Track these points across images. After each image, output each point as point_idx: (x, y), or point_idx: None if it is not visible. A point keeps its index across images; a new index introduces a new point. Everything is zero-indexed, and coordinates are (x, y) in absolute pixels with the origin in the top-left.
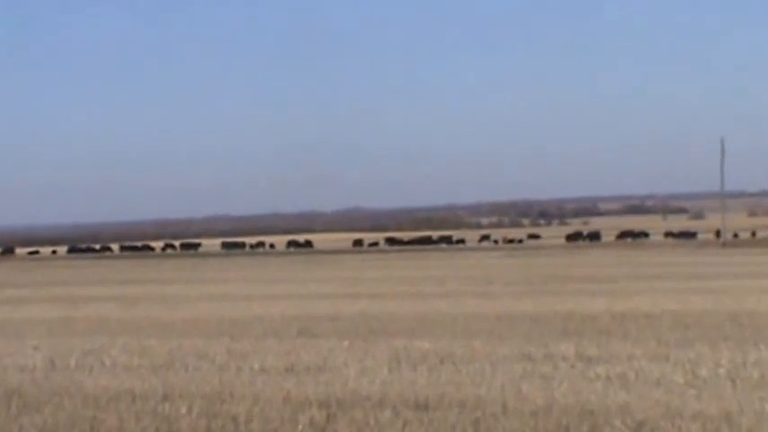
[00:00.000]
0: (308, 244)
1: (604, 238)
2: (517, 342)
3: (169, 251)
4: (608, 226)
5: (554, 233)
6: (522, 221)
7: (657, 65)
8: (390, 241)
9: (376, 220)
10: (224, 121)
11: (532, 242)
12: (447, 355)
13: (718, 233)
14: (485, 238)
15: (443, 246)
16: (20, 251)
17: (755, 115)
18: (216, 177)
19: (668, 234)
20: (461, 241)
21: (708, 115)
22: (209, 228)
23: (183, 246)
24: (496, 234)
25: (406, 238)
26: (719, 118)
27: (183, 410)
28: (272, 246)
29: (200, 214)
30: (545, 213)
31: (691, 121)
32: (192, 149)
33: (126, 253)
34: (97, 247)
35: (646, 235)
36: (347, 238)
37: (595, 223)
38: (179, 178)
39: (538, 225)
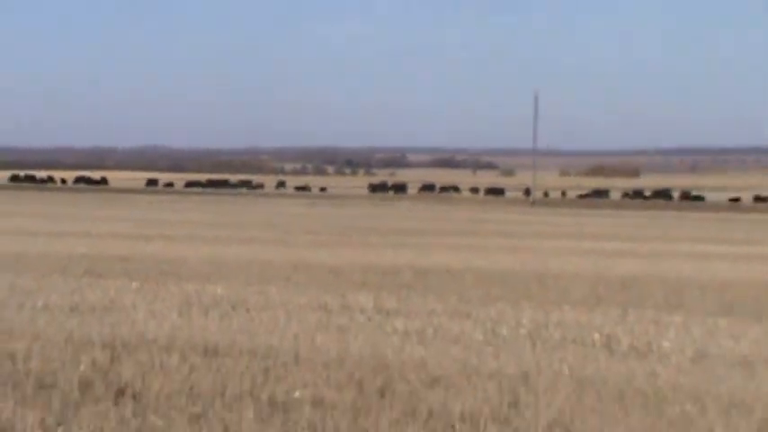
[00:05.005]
0: (103, 181)
1: (411, 191)
2: (314, 292)
3: None
4: (416, 178)
5: (360, 183)
6: (326, 169)
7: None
8: (188, 183)
9: (175, 160)
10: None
11: (340, 189)
12: (240, 302)
13: (527, 191)
14: (281, 184)
15: (243, 190)
16: None
17: (572, 71)
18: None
19: (475, 189)
20: (260, 186)
21: (523, 69)
22: None
23: None
24: (300, 181)
25: (203, 180)
26: (535, 72)
27: None
28: (63, 181)
29: None
30: (352, 162)
31: (505, 74)
32: None
33: None
34: None
35: (456, 189)
36: (142, 177)
37: (404, 175)
38: None
39: (343, 174)
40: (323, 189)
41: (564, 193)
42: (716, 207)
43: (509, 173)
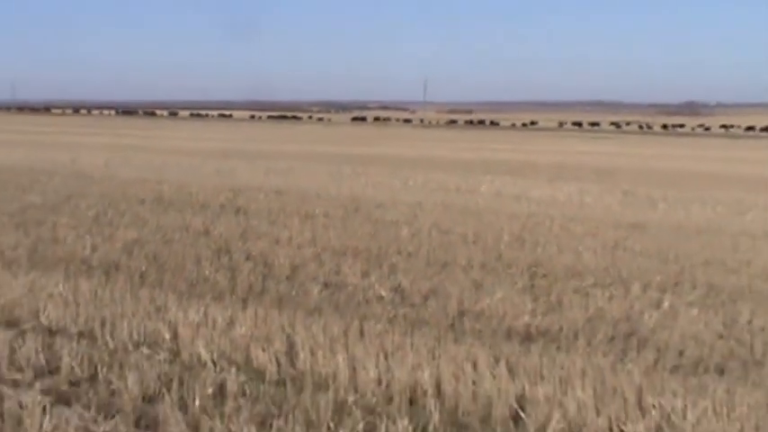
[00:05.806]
0: (230, 115)
1: (369, 120)
2: (325, 165)
3: (157, 114)
4: (371, 115)
5: (346, 117)
6: (331, 110)
7: None
8: (268, 116)
9: (262, 105)
10: None
11: (338, 120)
12: (290, 169)
13: (422, 120)
14: (309, 117)
15: (293, 120)
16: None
17: (455, 46)
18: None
19: (398, 119)
20: (300, 118)
21: (416, 51)
22: (180, 105)
23: (170, 113)
24: (320, 116)
25: (275, 115)
26: (426, 52)
27: (166, 188)
28: (212, 116)
29: (178, 98)
30: (342, 107)
31: (397, 52)
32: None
33: (136, 115)
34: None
35: (388, 119)
36: (247, 113)
37: (366, 113)
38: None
39: (338, 112)
40: (329, 119)
41: (438, 122)
42: (505, 128)
43: (413, 112)
